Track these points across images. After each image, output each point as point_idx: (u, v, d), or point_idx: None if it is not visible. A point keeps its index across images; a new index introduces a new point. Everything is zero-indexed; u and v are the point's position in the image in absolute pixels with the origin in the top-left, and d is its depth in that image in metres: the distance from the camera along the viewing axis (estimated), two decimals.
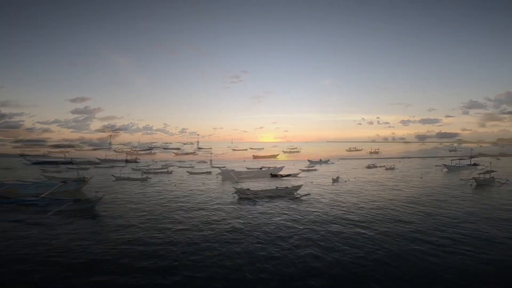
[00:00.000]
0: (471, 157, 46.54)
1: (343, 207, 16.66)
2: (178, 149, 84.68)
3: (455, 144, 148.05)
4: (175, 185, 29.21)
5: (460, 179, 29.41)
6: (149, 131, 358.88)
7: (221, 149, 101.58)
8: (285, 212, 15.45)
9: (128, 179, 35.68)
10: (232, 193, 21.19)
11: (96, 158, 61.30)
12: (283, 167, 23.63)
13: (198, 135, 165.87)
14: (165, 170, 58.96)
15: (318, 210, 15.98)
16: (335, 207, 16.83)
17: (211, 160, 67.75)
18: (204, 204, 18.00)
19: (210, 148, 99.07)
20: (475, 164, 43.78)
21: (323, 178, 37.37)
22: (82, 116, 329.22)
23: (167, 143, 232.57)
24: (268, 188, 23.20)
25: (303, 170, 61.47)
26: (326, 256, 8.69)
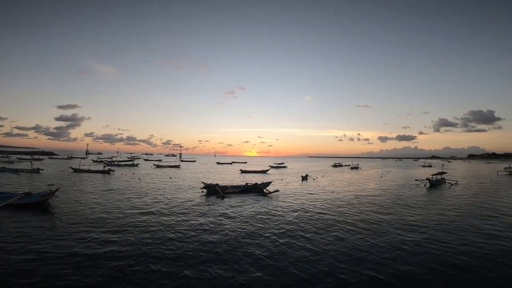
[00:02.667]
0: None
1: (311, 204, 15.88)
2: (159, 160, 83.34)
3: (429, 160, 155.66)
4: (139, 179, 28.76)
5: (416, 180, 31.33)
6: (132, 141, 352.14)
7: (203, 162, 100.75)
8: (253, 208, 14.34)
9: (89, 171, 34.74)
10: (200, 188, 20.85)
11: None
12: (271, 182, 23.55)
13: (181, 147, 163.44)
14: (130, 162, 57.01)
15: (285, 206, 15.11)
16: (303, 204, 16.07)
17: (180, 153, 66.34)
18: (170, 199, 16.53)
19: (194, 161, 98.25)
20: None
21: (292, 176, 38.71)
22: (66, 123, 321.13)
23: (148, 153, 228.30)
24: (238, 184, 23.26)
25: (272, 167, 62.08)
26: (288, 254, 7.55)
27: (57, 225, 10.27)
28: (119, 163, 55.30)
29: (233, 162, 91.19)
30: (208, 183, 21.03)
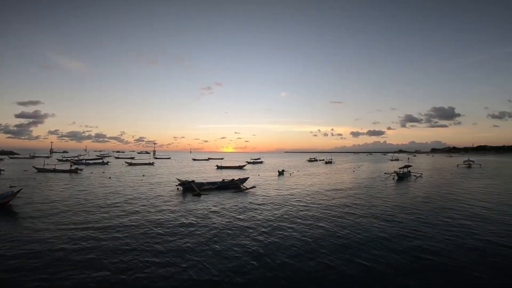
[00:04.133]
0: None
1: (288, 199, 16.01)
2: (132, 158, 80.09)
3: (396, 154, 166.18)
4: (110, 177, 27.60)
5: (385, 173, 33.13)
6: (101, 139, 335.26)
7: (179, 159, 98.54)
8: (231, 205, 14.12)
9: (54, 171, 32.75)
10: (176, 185, 20.43)
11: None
12: (248, 178, 23.49)
13: (155, 144, 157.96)
14: (100, 160, 53.99)
15: (263, 202, 15.04)
16: (280, 199, 16.21)
17: (154, 151, 64.19)
18: (143, 198, 15.84)
19: (169, 158, 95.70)
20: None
21: (269, 171, 39.11)
22: (27, 120, 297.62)
23: (119, 151, 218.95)
24: (214, 180, 23.00)
25: (249, 163, 62.44)
26: (266, 254, 7.31)
27: (20, 228, 9.59)
28: (87, 161, 52.46)
29: (210, 159, 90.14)
30: (184, 180, 20.62)
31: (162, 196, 17.01)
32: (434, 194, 18.02)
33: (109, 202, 14.59)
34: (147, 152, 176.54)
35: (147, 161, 59.85)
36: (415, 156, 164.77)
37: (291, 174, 33.58)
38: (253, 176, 30.52)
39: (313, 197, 16.89)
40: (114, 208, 13.08)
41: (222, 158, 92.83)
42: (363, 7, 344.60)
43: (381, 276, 6.24)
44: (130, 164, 53.42)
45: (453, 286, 5.87)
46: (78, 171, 33.01)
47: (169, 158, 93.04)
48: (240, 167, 48.54)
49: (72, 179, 25.70)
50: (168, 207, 13.64)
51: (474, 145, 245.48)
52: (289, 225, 10.41)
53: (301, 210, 13.11)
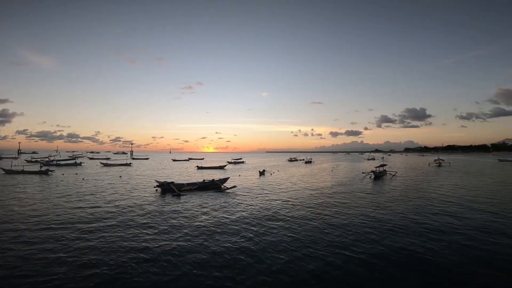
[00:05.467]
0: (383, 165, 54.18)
1: (268, 199, 16.04)
2: (107, 159, 76.85)
3: (373, 154, 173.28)
4: (83, 179, 26.44)
5: (362, 172, 34.25)
6: (74, 139, 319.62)
7: (158, 160, 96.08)
8: (211, 205, 13.89)
9: (23, 172, 31.28)
10: (154, 187, 19.85)
11: None
12: (228, 178, 23.26)
13: (132, 144, 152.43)
14: (72, 161, 51.24)
15: (243, 202, 14.98)
16: (260, 198, 16.20)
17: (131, 151, 62.17)
18: (119, 200, 15.28)
19: (147, 159, 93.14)
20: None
21: (250, 171, 39.09)
22: None
23: (94, 152, 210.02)
24: (194, 181, 22.62)
25: (230, 163, 62.27)
26: (249, 254, 7.23)
27: None
28: (58, 162, 49.76)
29: (190, 159, 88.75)
30: (163, 181, 20.10)
31: (140, 197, 16.45)
32: (408, 192, 18.82)
33: (83, 205, 13.90)
34: (123, 153, 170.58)
35: (124, 162, 57.86)
36: (389, 155, 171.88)
37: (272, 174, 33.77)
38: (234, 176, 30.40)
39: (293, 197, 17.05)
40: (89, 211, 12.46)
41: (202, 159, 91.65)
42: (343, 10, 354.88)
43: (361, 271, 6.39)
44: (106, 164, 51.38)
45: (433, 277, 6.12)
46: (49, 172, 31.33)
47: (147, 159, 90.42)
48: (221, 167, 48.18)
49: (43, 181, 24.29)
50: (146, 208, 13.20)
51: (444, 145, 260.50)
52: (269, 224, 10.41)
53: (281, 209, 13.17)
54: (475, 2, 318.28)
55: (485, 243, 8.39)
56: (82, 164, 50.57)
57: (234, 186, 20.63)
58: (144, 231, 9.54)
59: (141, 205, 14.17)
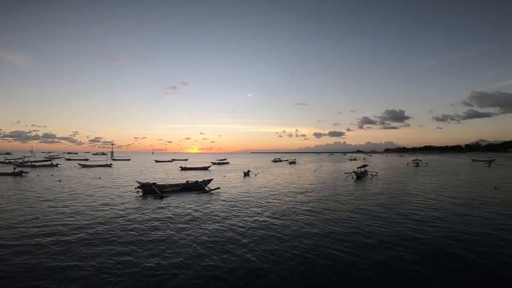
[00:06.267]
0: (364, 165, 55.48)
1: (252, 199, 15.95)
2: (86, 160, 73.96)
3: (354, 154, 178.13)
4: (60, 180, 25.45)
5: (344, 173, 35.03)
6: (50, 139, 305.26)
7: (140, 161, 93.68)
8: (194, 207, 13.65)
9: None
10: (135, 188, 19.34)
11: None
12: (212, 179, 22.98)
13: (113, 144, 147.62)
14: (48, 162, 48.98)
15: (227, 203, 14.78)
16: (244, 199, 16.10)
17: (112, 152, 60.56)
18: (98, 202, 14.75)
19: (129, 159, 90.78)
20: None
21: (234, 172, 38.85)
22: None
23: (71, 152, 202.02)
24: (178, 182, 22.20)
25: (215, 164, 61.85)
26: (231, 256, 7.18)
27: None
28: (33, 163, 47.50)
29: (173, 160, 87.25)
30: (144, 182, 19.59)
31: (120, 199, 15.96)
32: (388, 191, 19.39)
33: (60, 207, 13.30)
34: (103, 153, 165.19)
35: (104, 163, 56.06)
36: (370, 156, 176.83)
37: (257, 175, 33.79)
38: (218, 177, 30.19)
39: (277, 197, 17.12)
40: (66, 214, 11.92)
41: (186, 159, 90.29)
42: (328, 14, 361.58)
43: (347, 268, 6.48)
44: (84, 166, 49.56)
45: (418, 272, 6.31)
46: (23, 174, 29.88)
47: (128, 160, 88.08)
48: (205, 168, 47.70)
49: (16, 183, 23.12)
50: (126, 210, 12.79)
51: (421, 146, 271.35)
52: (254, 225, 10.37)
53: (266, 210, 13.18)
54: (453, 9, 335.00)
55: (465, 237, 8.80)
56: (58, 166, 48.56)
57: (218, 188, 20.46)
58: (124, 234, 9.23)
59: (121, 207, 13.73)
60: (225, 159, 78.82)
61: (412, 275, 6.27)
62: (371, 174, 31.98)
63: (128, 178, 28.61)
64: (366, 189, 20.69)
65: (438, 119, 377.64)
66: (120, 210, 13.11)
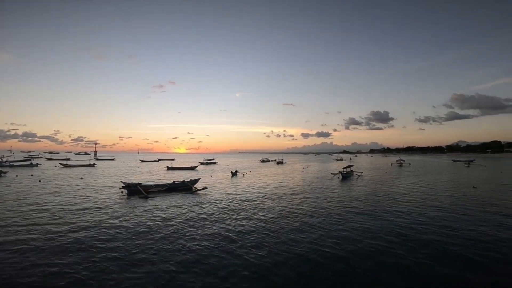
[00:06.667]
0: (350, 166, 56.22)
1: (240, 200, 15.88)
2: (68, 159, 71.59)
3: (341, 155, 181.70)
4: (40, 181, 24.62)
5: (331, 173, 35.58)
6: (30, 138, 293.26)
7: (125, 160, 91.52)
8: (180, 207, 13.43)
9: None
10: (120, 188, 18.91)
11: None
12: (199, 179, 22.70)
13: (96, 144, 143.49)
14: (28, 162, 47.26)
15: (214, 203, 14.62)
16: (232, 199, 15.98)
17: (95, 151, 59.02)
18: (81, 203, 14.32)
19: (113, 159, 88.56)
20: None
21: (222, 172, 38.63)
22: None
23: (53, 152, 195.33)
24: (164, 182, 21.91)
25: (202, 163, 61.37)
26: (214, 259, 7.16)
27: None
28: (11, 163, 45.66)
29: (160, 160, 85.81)
30: (129, 182, 19.18)
31: (103, 200, 15.54)
32: (373, 191, 19.82)
33: (40, 208, 12.81)
34: (86, 153, 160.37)
35: (87, 163, 54.46)
36: (356, 156, 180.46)
37: (244, 175, 33.75)
38: (206, 177, 29.96)
39: (265, 197, 17.15)
40: (47, 215, 11.50)
41: (173, 159, 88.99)
42: (316, 15, 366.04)
43: (335, 266, 6.57)
44: (66, 165, 47.97)
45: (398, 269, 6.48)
46: (1, 174, 28.62)
47: (113, 159, 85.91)
48: (192, 168, 47.22)
49: None
50: (110, 211, 12.47)
51: (404, 146, 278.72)
52: (242, 224, 10.35)
53: (253, 210, 13.17)
54: (435, 14, 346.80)
55: (447, 235, 9.12)
56: (38, 165, 46.86)
57: (205, 188, 20.27)
58: (108, 236, 8.99)
59: (105, 208, 13.37)
60: (212, 159, 78.30)
61: (400, 269, 6.46)
62: (356, 174, 32.60)
63: (113, 178, 27.92)
64: (352, 189, 21.07)
65: (420, 121, 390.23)
66: (104, 211, 12.76)
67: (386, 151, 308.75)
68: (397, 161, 63.82)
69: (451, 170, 43.48)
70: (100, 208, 13.44)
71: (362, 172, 34.82)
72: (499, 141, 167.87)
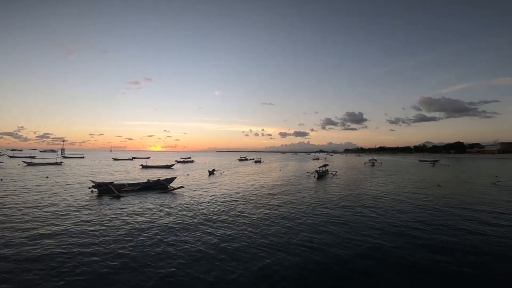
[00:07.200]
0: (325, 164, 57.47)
1: (217, 198, 15.74)
2: (32, 157, 66.84)
3: (317, 154, 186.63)
4: (1, 179, 23.10)
5: (307, 172, 36.38)
6: None
7: (96, 158, 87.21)
8: (155, 207, 13.07)
9: None
10: (89, 188, 18.00)
11: None
12: (176, 177, 22.03)
13: (64, 141, 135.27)
14: None
15: (191, 202, 14.37)
16: (208, 198, 15.81)
17: (63, 149, 56.06)
18: (45, 204, 13.51)
19: (82, 157, 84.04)
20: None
21: (199, 171, 38.25)
22: None
23: (15, 149, 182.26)
24: (138, 181, 21.21)
25: (179, 162, 60.27)
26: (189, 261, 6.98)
27: None
28: None
29: (134, 158, 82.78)
30: (100, 181, 18.34)
31: (71, 200, 14.72)
32: (347, 189, 20.52)
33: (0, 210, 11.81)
34: (53, 151, 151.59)
35: (54, 161, 51.42)
36: (332, 155, 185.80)
37: (222, 174, 33.54)
38: (182, 176, 29.40)
39: (242, 196, 17.13)
40: (7, 217, 10.67)
41: (148, 158, 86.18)
42: (296, 17, 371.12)
43: (312, 263, 6.71)
44: (30, 164, 44.94)
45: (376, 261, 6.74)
46: None
47: (82, 157, 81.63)
48: (168, 167, 46.10)
49: None
50: (77, 212, 11.83)
51: (376, 146, 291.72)
52: (218, 224, 10.26)
53: (230, 209, 13.11)
54: (407, 19, 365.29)
55: (416, 229, 9.64)
56: (0, 164, 43.46)
57: (182, 186, 19.88)
58: (75, 240, 8.52)
59: (73, 209, 12.67)
60: (190, 158, 76.96)
61: (370, 263, 6.73)
62: (331, 173, 33.57)
63: (82, 178, 26.53)
64: (327, 188, 21.65)
65: (391, 122, 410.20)
66: (72, 212, 12.08)
67: (360, 151, 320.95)
68: (369, 160, 66.56)
69: (418, 169, 46.05)
70: (67, 209, 12.71)
71: (337, 171, 35.91)
72: (462, 143, 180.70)
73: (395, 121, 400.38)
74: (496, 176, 28.86)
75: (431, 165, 59.95)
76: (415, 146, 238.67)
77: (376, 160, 68.64)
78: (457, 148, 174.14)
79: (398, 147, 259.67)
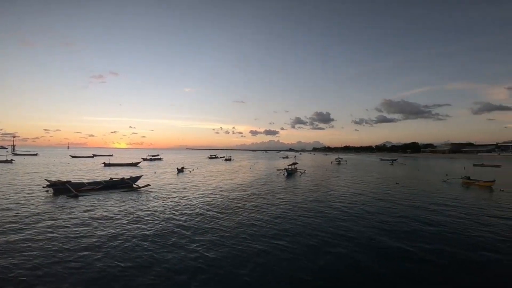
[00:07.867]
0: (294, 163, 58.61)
1: (186, 197, 15.47)
2: None
3: (287, 152, 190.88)
4: None
5: (277, 170, 37.05)
6: None
7: (51, 156, 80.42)
8: (117, 207, 12.39)
9: None
10: (43, 187, 16.70)
11: None
12: (141, 176, 20.83)
13: (14, 137, 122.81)
14: None
15: (157, 201, 13.97)
16: (177, 197, 15.47)
17: (13, 145, 51.45)
18: None
19: (36, 154, 76.99)
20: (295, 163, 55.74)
21: (167, 169, 37.24)
22: None
23: None
24: (99, 179, 19.97)
25: (145, 160, 58.04)
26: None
27: None
28: None
29: (95, 155, 77.66)
30: (56, 180, 16.97)
31: (23, 200, 13.49)
32: (314, 187, 21.19)
33: None
34: (2, 147, 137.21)
35: (3, 158, 46.83)
36: (300, 154, 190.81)
37: (191, 171, 32.82)
38: (149, 174, 28.27)
39: (211, 194, 16.90)
40: None
41: (111, 155, 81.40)
42: (270, 15, 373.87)
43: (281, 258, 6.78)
44: None
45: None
46: None
47: (35, 155, 75.07)
48: (134, 165, 44.01)
49: None
50: (31, 215, 10.84)
51: (342, 146, 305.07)
52: (186, 224, 9.99)
53: (199, 207, 12.84)
54: (371, 23, 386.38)
55: (379, 221, 10.20)
56: None
57: (148, 185, 19.14)
58: (28, 244, 7.78)
59: (25, 210, 11.59)
60: (157, 155, 74.12)
61: (337, 260, 6.98)
62: (300, 171, 34.44)
63: (35, 176, 24.33)
64: (295, 185, 22.18)
65: (356, 122, 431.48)
66: (24, 214, 11.03)
67: (327, 150, 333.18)
68: (336, 159, 69.49)
69: (379, 168, 49.02)
70: (18, 210, 11.60)
71: (305, 170, 36.94)
72: (417, 143, 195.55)
73: (359, 122, 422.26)
74: (446, 175, 31.62)
75: (390, 163, 64.10)
76: (376, 146, 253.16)
77: (342, 158, 71.80)
78: (413, 148, 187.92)
79: (361, 146, 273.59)
